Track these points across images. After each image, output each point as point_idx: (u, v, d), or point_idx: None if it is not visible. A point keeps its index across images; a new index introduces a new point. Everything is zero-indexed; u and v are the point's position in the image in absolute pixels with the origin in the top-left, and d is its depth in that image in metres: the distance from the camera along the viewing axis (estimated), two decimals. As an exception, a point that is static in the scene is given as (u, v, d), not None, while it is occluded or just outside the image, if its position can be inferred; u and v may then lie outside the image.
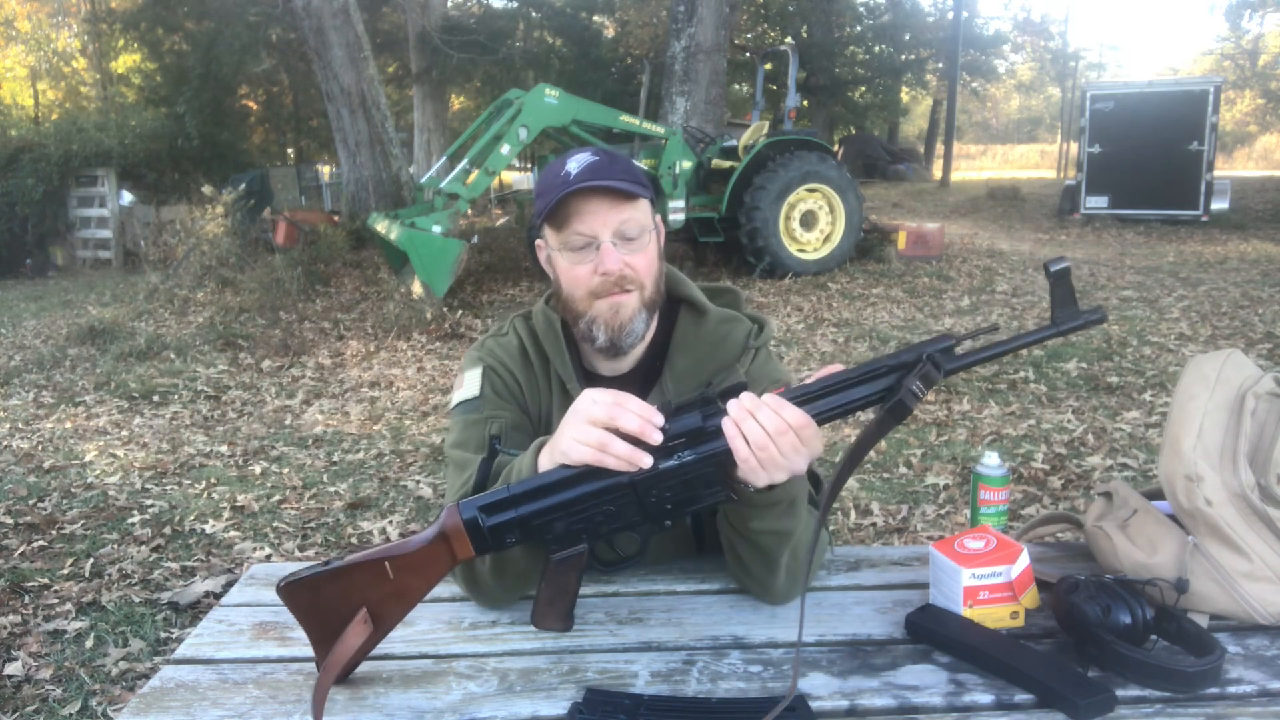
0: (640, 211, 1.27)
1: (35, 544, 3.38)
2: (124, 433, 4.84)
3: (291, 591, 1.06)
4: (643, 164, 8.32)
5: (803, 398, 1.04)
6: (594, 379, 1.39)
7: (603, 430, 1.03)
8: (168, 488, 4.00)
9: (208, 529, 3.51)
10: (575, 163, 1.25)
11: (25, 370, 6.21)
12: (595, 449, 1.03)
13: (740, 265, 8.84)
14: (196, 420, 5.08)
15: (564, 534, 1.06)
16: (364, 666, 1.09)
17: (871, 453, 4.14)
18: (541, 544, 1.08)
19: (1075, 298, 1.01)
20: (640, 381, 1.38)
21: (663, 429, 1.03)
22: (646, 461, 1.02)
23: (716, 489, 1.06)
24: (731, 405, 1.04)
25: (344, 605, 1.05)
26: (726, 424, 1.03)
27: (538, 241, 1.36)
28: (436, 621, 1.21)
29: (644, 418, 1.03)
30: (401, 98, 20.06)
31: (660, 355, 1.38)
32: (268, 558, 3.26)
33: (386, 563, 1.05)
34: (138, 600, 2.93)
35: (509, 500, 1.06)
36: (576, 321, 1.32)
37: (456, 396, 1.38)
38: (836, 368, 1.07)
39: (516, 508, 1.05)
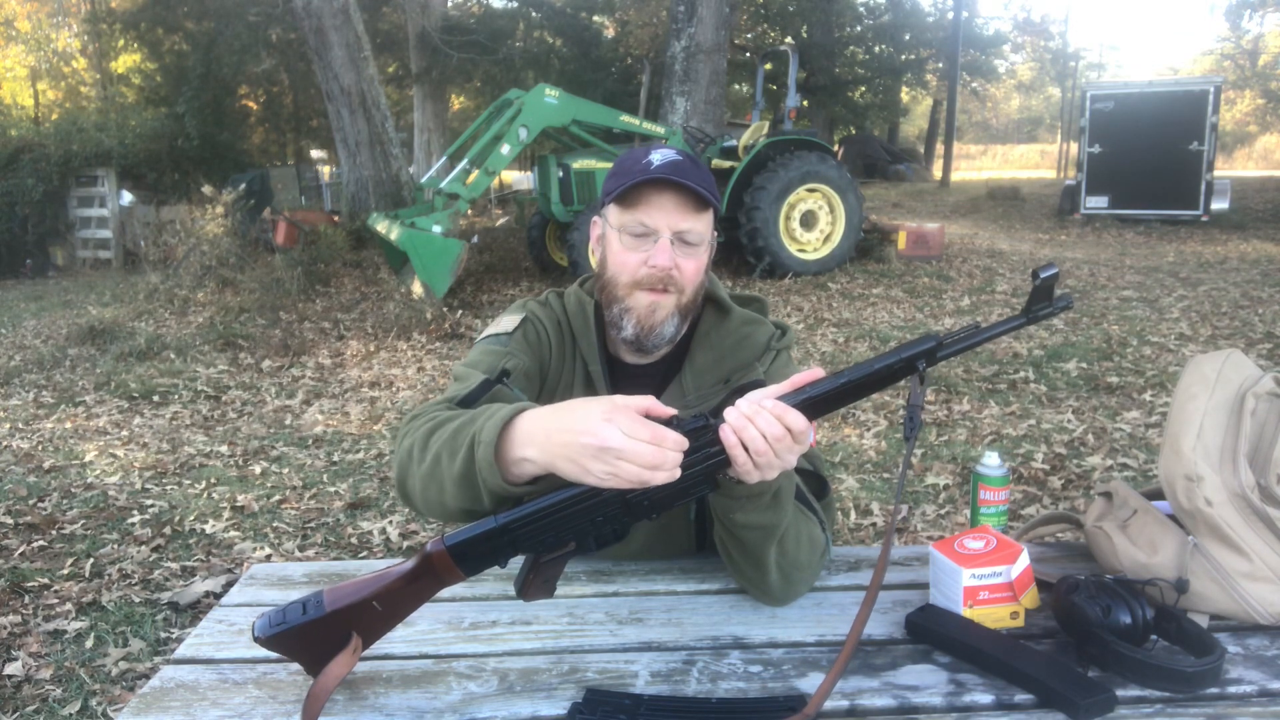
0: (704, 222, 1.30)
1: (35, 544, 3.38)
2: (124, 433, 4.84)
3: (270, 641, 1.02)
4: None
5: (802, 401, 1.03)
6: (617, 365, 1.40)
7: (644, 470, 0.98)
8: (168, 488, 4.00)
9: (208, 529, 3.51)
10: (660, 155, 1.27)
11: (25, 370, 6.21)
12: (639, 483, 0.99)
13: (740, 265, 8.83)
14: (196, 420, 5.08)
15: (554, 544, 1.05)
16: (364, 666, 1.09)
17: (871, 453, 4.14)
18: (531, 553, 1.07)
19: (1052, 296, 1.04)
20: (662, 374, 1.40)
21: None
22: (677, 473, 1.00)
23: (703, 486, 1.06)
24: (730, 413, 1.03)
25: (329, 637, 1.02)
26: (725, 432, 1.02)
27: (594, 219, 1.37)
28: (436, 621, 1.21)
29: (678, 461, 0.99)
30: (401, 98, 20.06)
31: (682, 350, 1.39)
32: (268, 558, 3.26)
33: (375, 602, 1.03)
34: (138, 600, 2.93)
35: (498, 531, 1.03)
36: (610, 306, 1.33)
37: (489, 330, 1.40)
38: (819, 372, 1.05)
39: (506, 535, 1.03)
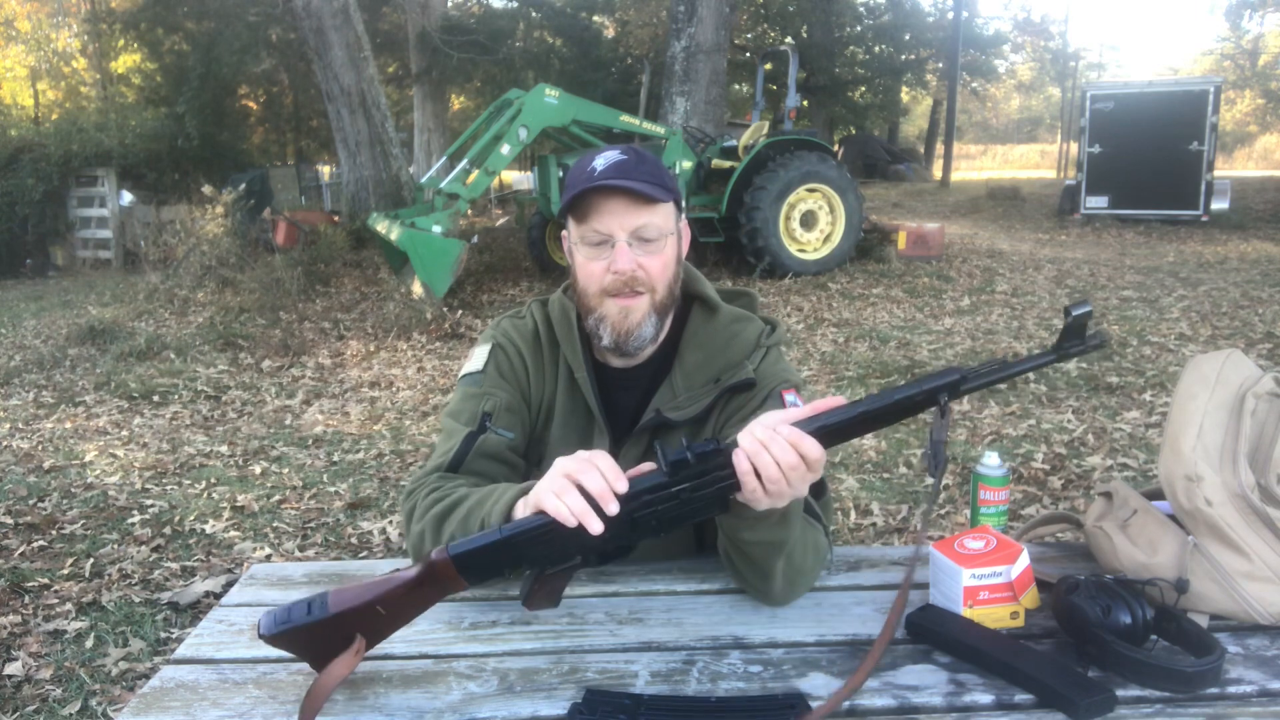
0: (660, 216, 1.28)
1: (35, 544, 3.38)
2: (124, 433, 4.84)
3: (275, 639, 1.03)
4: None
5: (818, 430, 1.02)
6: (603, 370, 1.40)
7: (568, 481, 1.01)
8: (168, 488, 4.00)
9: (208, 529, 3.51)
10: (603, 159, 1.26)
11: (25, 370, 6.21)
12: (554, 495, 1.01)
13: (740, 265, 8.83)
14: (196, 420, 5.08)
15: (559, 559, 1.06)
16: (364, 666, 1.09)
17: (871, 453, 4.14)
18: (536, 567, 1.07)
19: (1085, 334, 1.00)
20: (650, 376, 1.39)
21: (674, 464, 1.02)
22: (596, 527, 0.99)
23: (714, 508, 1.06)
24: (743, 438, 1.01)
25: (334, 637, 1.03)
26: (739, 458, 1.01)
27: (562, 232, 1.37)
28: (436, 621, 1.21)
29: (608, 482, 1.00)
30: (401, 98, 20.05)
31: (671, 351, 1.39)
32: (268, 558, 3.26)
33: (379, 606, 1.03)
34: (138, 600, 2.93)
35: (502, 544, 1.03)
36: (586, 317, 1.33)
37: (464, 368, 1.42)
38: (839, 400, 1.04)
39: (510, 548, 1.03)
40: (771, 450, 1.00)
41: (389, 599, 1.03)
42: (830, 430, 1.02)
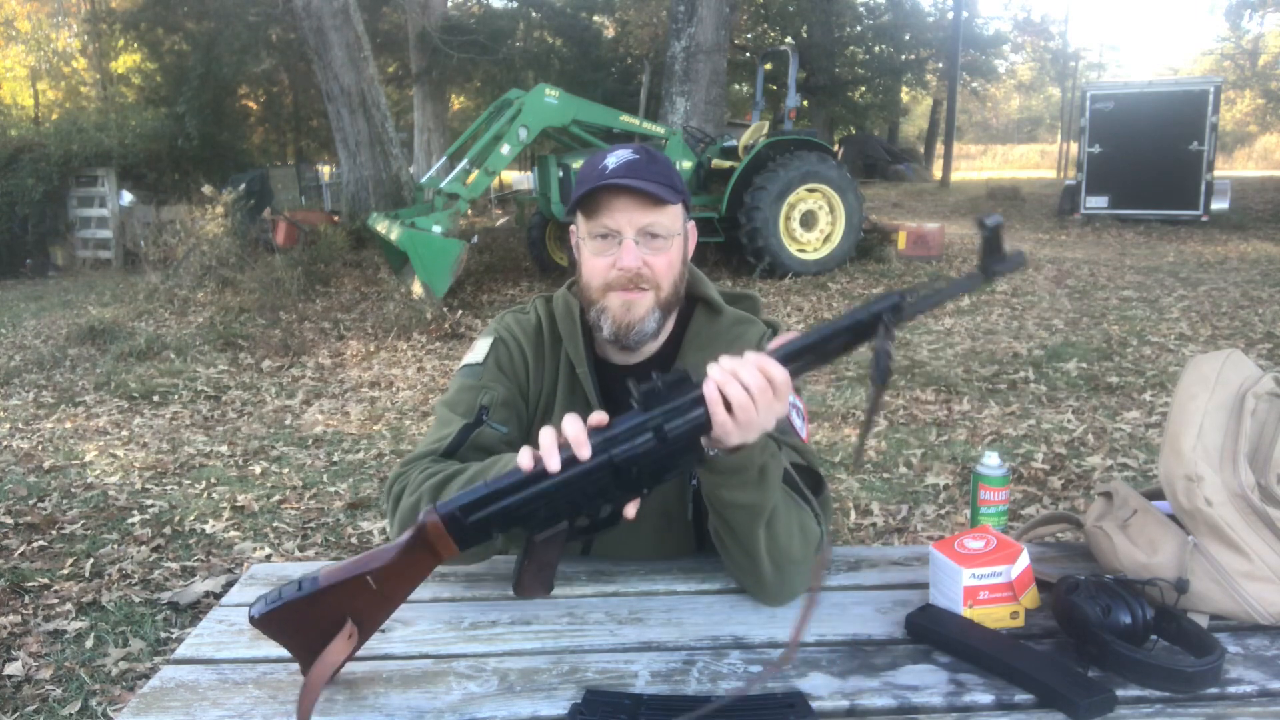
0: (668, 216, 1.30)
1: (35, 544, 3.38)
2: (124, 433, 4.84)
3: (267, 621, 1.01)
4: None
5: (780, 356, 1.05)
6: (605, 367, 1.41)
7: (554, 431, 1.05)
8: (168, 488, 4.00)
9: (208, 529, 3.51)
10: (615, 158, 1.29)
11: (25, 370, 6.21)
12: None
13: (740, 265, 8.83)
14: (196, 420, 5.08)
15: (546, 519, 1.06)
16: (364, 666, 1.09)
17: (872, 453, 4.14)
18: (524, 529, 1.08)
19: (1003, 249, 1.02)
20: (651, 374, 1.39)
21: (645, 394, 1.04)
22: (554, 465, 1.01)
23: (689, 456, 1.07)
24: (713, 368, 1.04)
25: (325, 619, 1.01)
26: (709, 387, 1.03)
27: (570, 227, 1.39)
28: (436, 621, 1.21)
29: (579, 429, 1.03)
30: (401, 98, 20.04)
31: (673, 350, 1.41)
32: (268, 558, 3.26)
33: (368, 577, 1.02)
34: (138, 600, 2.93)
35: (489, 496, 1.04)
36: (589, 309, 1.35)
37: (465, 358, 1.44)
38: (793, 334, 1.07)
39: (497, 502, 1.04)
40: (740, 375, 1.02)
41: (380, 570, 1.02)
42: (791, 354, 1.05)
